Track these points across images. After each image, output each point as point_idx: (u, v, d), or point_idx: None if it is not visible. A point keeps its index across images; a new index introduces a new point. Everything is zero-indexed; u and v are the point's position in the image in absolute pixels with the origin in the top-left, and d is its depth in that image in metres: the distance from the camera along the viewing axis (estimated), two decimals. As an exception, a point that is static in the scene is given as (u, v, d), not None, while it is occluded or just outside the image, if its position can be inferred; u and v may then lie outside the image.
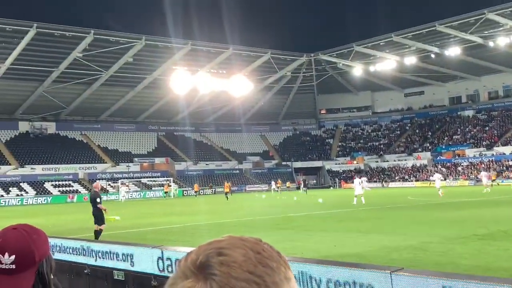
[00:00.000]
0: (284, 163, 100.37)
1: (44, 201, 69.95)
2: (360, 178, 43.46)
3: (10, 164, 78.19)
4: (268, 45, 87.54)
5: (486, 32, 74.38)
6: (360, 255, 14.24)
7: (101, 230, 19.15)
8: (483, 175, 54.45)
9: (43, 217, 23.35)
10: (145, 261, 8.55)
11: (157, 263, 8.29)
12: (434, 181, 48.44)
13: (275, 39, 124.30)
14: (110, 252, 9.30)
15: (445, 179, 64.61)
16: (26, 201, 68.80)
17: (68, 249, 10.30)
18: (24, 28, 66.31)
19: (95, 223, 19.43)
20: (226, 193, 59.82)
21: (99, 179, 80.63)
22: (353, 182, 42.31)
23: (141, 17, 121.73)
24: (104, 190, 70.64)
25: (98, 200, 19.37)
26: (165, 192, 74.84)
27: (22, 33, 66.76)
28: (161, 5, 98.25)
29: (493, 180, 57.62)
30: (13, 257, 1.94)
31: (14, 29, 65.82)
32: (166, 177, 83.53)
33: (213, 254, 0.96)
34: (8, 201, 68.10)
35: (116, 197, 71.69)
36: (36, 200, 69.52)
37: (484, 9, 69.70)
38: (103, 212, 19.36)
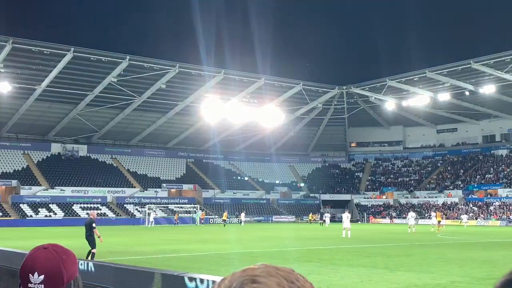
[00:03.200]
0: (312, 195, 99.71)
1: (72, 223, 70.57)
2: (348, 212, 46.66)
3: (40, 185, 79.17)
4: (301, 76, 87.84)
5: (522, 71, 73.45)
6: (387, 292, 13.87)
7: (94, 253, 20.67)
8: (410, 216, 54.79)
9: (71, 239, 23.54)
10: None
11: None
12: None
13: (307, 70, 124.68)
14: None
15: (442, 219, 59.89)
16: (54, 222, 69.41)
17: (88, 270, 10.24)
18: (62, 52, 67.65)
19: (91, 247, 20.92)
20: (224, 221, 62.32)
21: (127, 203, 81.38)
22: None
23: (175, 44, 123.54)
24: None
25: (94, 225, 21.05)
26: (223, 220, 72.49)
27: (59, 56, 68.12)
28: (194, 33, 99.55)
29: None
30: (42, 276, 1.91)
31: (51, 52, 67.18)
32: (193, 204, 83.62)
33: (247, 282, 0.97)
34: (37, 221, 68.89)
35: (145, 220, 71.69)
36: (63, 222, 70.07)
37: (520, 48, 68.97)
38: (99, 238, 20.99)
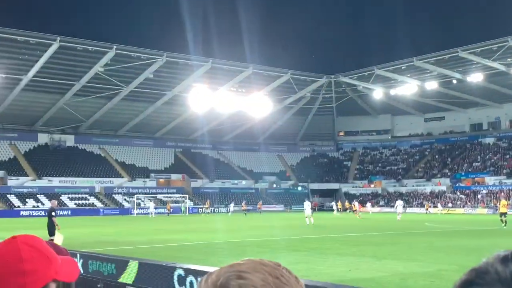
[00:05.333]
0: (300, 184, 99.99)
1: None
2: (309, 201, 49.87)
3: (28, 175, 78.79)
4: (289, 65, 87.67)
5: (509, 59, 73.80)
6: (374, 280, 13.98)
7: (52, 240, 20.27)
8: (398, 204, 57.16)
9: (63, 229, 23.56)
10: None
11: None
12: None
13: (295, 59, 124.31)
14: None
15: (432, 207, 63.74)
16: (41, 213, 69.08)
17: (82, 262, 10.21)
18: (48, 41, 67.13)
19: (48, 235, 21.68)
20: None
21: (115, 194, 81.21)
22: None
23: (162, 33, 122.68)
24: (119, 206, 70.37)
25: (53, 213, 22.36)
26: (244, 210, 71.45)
27: (45, 46, 67.60)
28: (182, 23, 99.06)
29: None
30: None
31: (37, 41, 66.67)
32: (182, 193, 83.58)
33: (233, 277, 0.99)
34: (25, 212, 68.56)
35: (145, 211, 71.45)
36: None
37: (507, 37, 69.22)
38: (56, 226, 21.97)
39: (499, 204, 41.49)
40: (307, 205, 45.19)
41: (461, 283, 0.89)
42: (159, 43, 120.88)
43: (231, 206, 74.97)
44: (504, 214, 38.33)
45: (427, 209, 73.87)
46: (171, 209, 72.92)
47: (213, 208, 79.63)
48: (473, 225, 41.26)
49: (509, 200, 70.42)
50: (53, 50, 67.72)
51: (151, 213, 67.91)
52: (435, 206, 76.36)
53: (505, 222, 37.54)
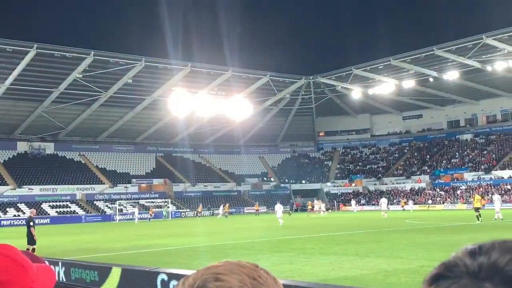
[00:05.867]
0: (282, 185, 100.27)
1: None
2: (280, 203, 51.52)
3: (7, 185, 78.00)
4: (267, 68, 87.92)
5: (484, 56, 74.76)
6: (357, 278, 14.17)
7: (34, 249, 21.27)
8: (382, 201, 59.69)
9: (43, 238, 23.53)
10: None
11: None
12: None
13: (274, 61, 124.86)
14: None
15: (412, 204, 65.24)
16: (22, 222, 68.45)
17: (64, 270, 10.26)
18: (24, 49, 66.53)
19: (28, 244, 21.85)
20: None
21: (96, 200, 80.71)
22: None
23: (141, 38, 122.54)
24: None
25: (31, 223, 22.31)
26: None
27: (22, 53, 67.00)
28: (161, 27, 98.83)
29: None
30: None
31: (14, 49, 66.04)
32: (164, 198, 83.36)
33: (210, 279, 0.98)
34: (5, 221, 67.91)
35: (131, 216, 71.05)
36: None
37: (482, 34, 70.11)
38: (33, 236, 22.12)
39: (473, 199, 41.98)
40: (279, 207, 48.31)
41: (430, 276, 0.92)
42: (138, 48, 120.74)
43: (220, 209, 73.41)
44: (478, 209, 38.81)
45: (402, 206, 75.05)
46: (153, 214, 72.33)
47: (195, 212, 79.26)
48: (453, 220, 41.75)
49: (487, 195, 71.39)
50: (30, 57, 67.15)
51: (136, 219, 67.67)
52: (406, 203, 76.76)
53: (479, 216, 38.00)
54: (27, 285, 1.53)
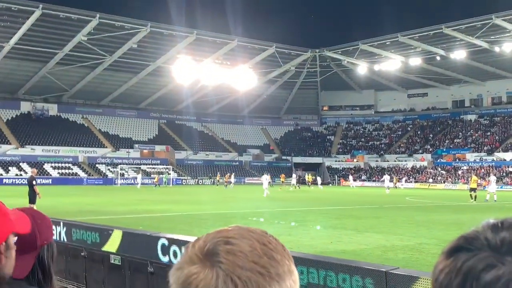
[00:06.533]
0: (284, 157, 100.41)
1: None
2: (267, 174, 52.31)
3: (10, 144, 78.17)
4: (274, 39, 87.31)
5: (493, 37, 74.18)
6: (355, 253, 14.24)
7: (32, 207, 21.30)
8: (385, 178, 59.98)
9: (44, 198, 23.62)
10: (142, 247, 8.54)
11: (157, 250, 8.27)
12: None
13: (280, 32, 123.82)
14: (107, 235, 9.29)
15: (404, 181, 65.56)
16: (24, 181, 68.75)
17: (65, 230, 10.29)
18: (30, 9, 66.04)
19: (29, 202, 22.25)
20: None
21: (98, 163, 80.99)
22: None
23: (147, 3, 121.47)
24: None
25: (34, 182, 23.05)
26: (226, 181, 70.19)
27: (27, 13, 66.54)
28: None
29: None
30: (15, 238, 1.89)
31: (19, 8, 65.54)
32: (166, 165, 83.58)
33: (220, 243, 0.99)
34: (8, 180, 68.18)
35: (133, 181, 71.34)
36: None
37: (491, 14, 69.49)
38: (37, 195, 22.85)
39: (470, 180, 42.50)
40: (265, 178, 48.92)
41: (449, 248, 0.91)
42: (144, 13, 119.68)
43: (232, 178, 70.45)
44: (474, 189, 39.33)
45: (395, 184, 74.33)
46: (158, 182, 71.34)
47: (196, 180, 79.54)
48: (453, 200, 41.88)
49: (488, 176, 71.38)
50: (35, 17, 66.72)
51: (139, 184, 67.86)
52: (399, 181, 77.16)
53: (475, 197, 38.61)
54: (9, 229, 1.75)
